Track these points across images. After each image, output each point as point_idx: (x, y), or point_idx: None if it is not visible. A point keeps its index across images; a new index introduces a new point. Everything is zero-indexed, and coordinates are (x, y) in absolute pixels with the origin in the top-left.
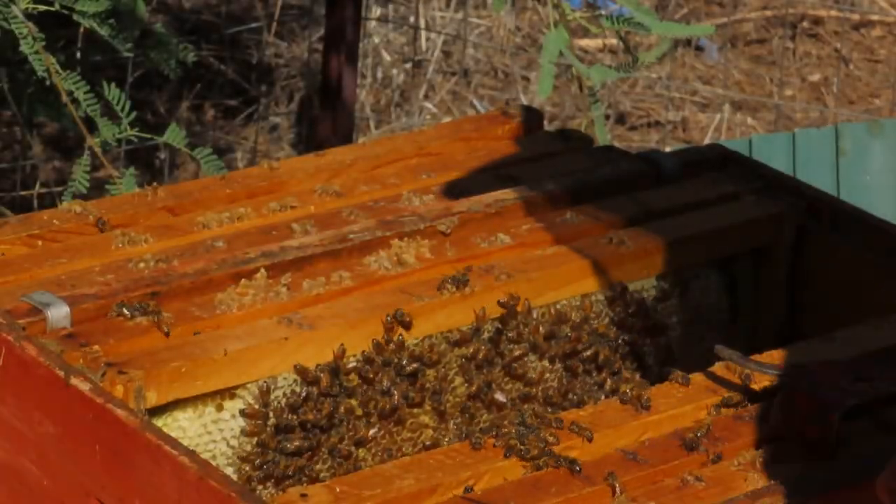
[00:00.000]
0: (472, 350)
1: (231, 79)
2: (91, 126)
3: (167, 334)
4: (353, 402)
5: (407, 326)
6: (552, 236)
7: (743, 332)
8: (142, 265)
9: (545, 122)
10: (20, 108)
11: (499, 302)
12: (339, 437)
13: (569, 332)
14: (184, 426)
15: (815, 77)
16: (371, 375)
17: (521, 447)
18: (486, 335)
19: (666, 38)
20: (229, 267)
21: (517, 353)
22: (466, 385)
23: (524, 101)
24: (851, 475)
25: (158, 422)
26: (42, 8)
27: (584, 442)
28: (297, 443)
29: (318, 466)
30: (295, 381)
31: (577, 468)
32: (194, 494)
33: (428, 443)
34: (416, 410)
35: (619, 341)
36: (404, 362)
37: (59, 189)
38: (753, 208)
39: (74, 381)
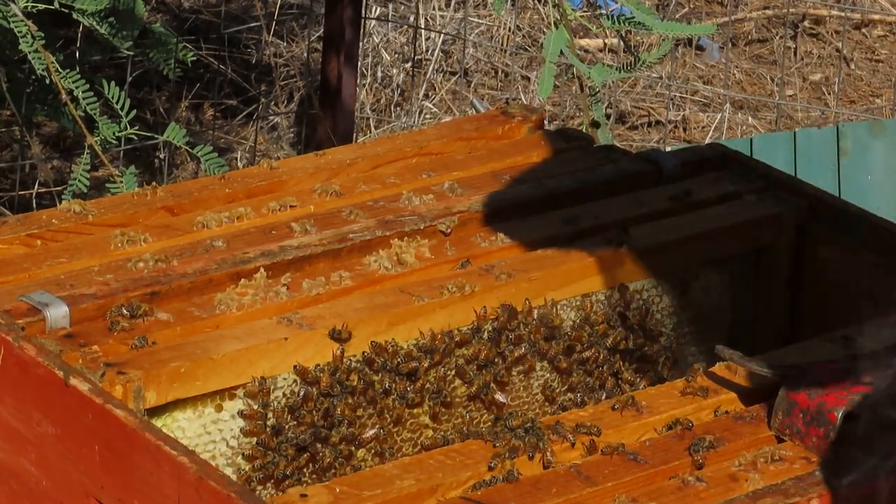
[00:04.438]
0: (472, 350)
1: (230, 78)
2: (91, 125)
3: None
4: (353, 401)
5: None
6: (552, 236)
7: (743, 332)
8: (141, 265)
9: (545, 122)
10: (19, 107)
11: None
12: (339, 437)
13: (569, 332)
14: (183, 426)
15: (817, 76)
16: (371, 376)
17: (523, 447)
18: (486, 335)
19: (667, 38)
20: (229, 267)
21: (517, 353)
22: (466, 385)
23: (524, 100)
24: (852, 475)
25: (158, 422)
26: (41, 6)
27: (585, 442)
28: (296, 443)
29: (317, 466)
30: (295, 381)
31: (580, 470)
32: (194, 495)
33: (428, 443)
34: (415, 411)
35: (620, 341)
36: (404, 363)
37: (59, 189)
38: (754, 208)
39: (73, 381)
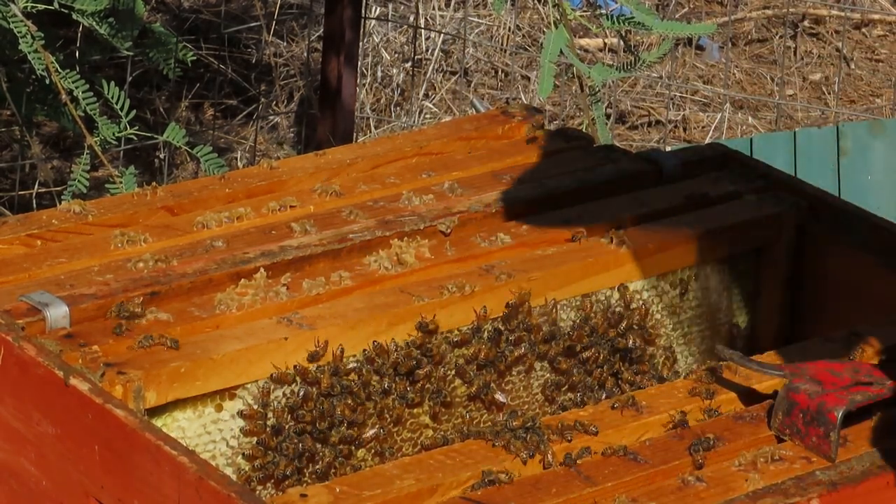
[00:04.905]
0: (472, 351)
1: (230, 78)
2: (90, 125)
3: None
4: (353, 402)
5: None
6: (552, 236)
7: (743, 332)
8: (141, 265)
9: (545, 122)
10: (19, 107)
11: (507, 304)
12: (338, 437)
13: (569, 332)
14: (183, 426)
15: (816, 76)
16: (371, 376)
17: (522, 447)
18: (486, 335)
19: (667, 38)
20: (229, 267)
21: (517, 353)
22: (466, 385)
23: (524, 100)
24: (852, 475)
25: (158, 422)
26: (41, 7)
27: (585, 441)
28: (296, 443)
29: (317, 466)
30: (295, 381)
31: (579, 469)
32: (194, 495)
33: (428, 443)
34: (415, 411)
35: (620, 341)
36: (403, 363)
37: (59, 189)
38: (754, 208)
39: (73, 381)
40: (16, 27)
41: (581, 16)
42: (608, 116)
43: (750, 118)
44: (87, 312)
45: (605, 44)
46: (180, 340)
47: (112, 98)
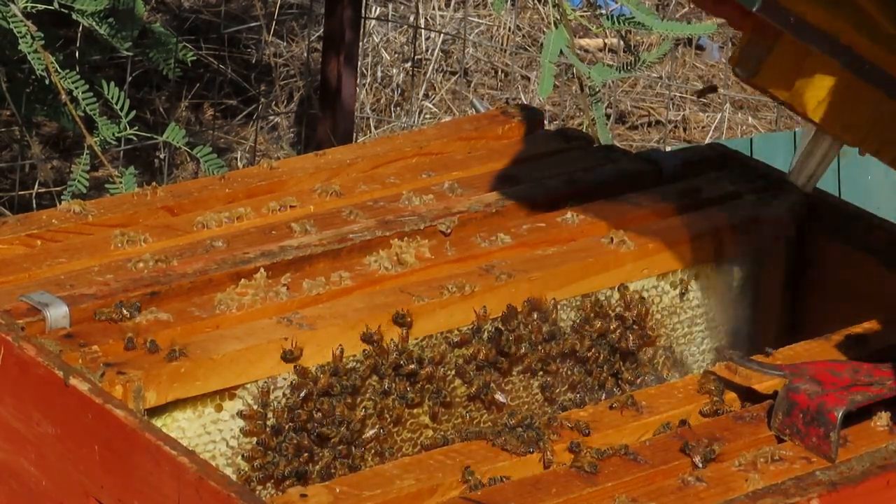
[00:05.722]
0: (472, 351)
1: (230, 78)
2: (90, 125)
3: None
4: (353, 402)
5: (407, 326)
6: (552, 236)
7: (743, 332)
8: (141, 265)
9: (545, 122)
10: (19, 107)
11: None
12: (338, 438)
13: (569, 332)
14: (183, 426)
15: None
16: (370, 376)
17: (522, 447)
18: (486, 335)
19: (667, 38)
20: (229, 267)
21: (518, 353)
22: (466, 385)
23: (524, 100)
24: (852, 475)
25: (158, 422)
26: (41, 7)
27: (585, 441)
28: (296, 443)
29: (317, 467)
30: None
31: (578, 469)
32: (194, 495)
33: (428, 443)
34: (415, 411)
35: (620, 341)
36: (403, 363)
37: (58, 189)
38: (754, 208)
39: (73, 381)
40: (16, 27)
41: (581, 16)
42: (608, 116)
43: (750, 118)
44: (87, 312)
45: (605, 44)
46: (180, 341)
47: (112, 98)
